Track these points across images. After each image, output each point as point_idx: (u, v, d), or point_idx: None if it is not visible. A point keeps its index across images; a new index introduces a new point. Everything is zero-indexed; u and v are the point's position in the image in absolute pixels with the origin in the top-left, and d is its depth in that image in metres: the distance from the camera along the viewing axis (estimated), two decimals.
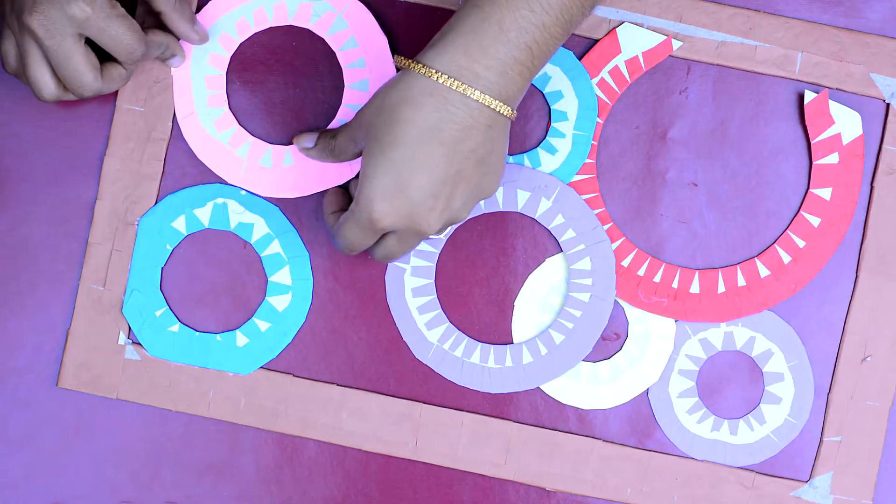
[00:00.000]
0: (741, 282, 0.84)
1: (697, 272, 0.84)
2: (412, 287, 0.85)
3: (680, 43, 0.83)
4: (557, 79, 0.85)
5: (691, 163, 0.85)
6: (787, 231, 0.84)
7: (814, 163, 0.84)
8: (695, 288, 0.84)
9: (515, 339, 0.85)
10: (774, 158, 0.85)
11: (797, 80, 0.85)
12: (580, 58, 0.85)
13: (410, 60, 0.75)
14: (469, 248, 0.86)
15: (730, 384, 0.85)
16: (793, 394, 0.85)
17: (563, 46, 0.85)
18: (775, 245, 0.84)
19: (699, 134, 0.85)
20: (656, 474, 0.84)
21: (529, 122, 0.86)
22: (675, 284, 0.84)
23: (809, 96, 0.83)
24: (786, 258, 0.84)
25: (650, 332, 0.85)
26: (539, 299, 0.85)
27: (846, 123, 0.83)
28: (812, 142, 0.84)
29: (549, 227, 0.85)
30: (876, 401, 0.84)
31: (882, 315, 0.84)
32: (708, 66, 0.85)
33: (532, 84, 0.85)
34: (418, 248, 0.85)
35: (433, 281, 0.85)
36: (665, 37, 0.84)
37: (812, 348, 0.85)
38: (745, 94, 0.85)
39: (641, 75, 0.85)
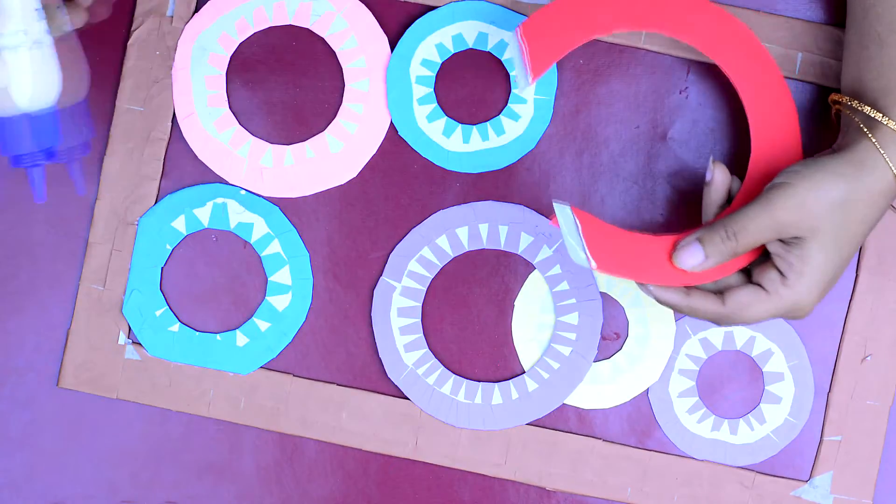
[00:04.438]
0: None
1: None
2: (398, 307, 0.85)
3: None
4: (515, 45, 0.85)
5: (691, 163, 0.85)
6: None
7: None
8: None
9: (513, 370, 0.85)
10: None
11: (797, 80, 0.85)
12: (573, 82, 0.85)
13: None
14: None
15: (730, 384, 0.85)
16: (793, 393, 0.85)
17: (517, 13, 0.85)
18: None
19: (699, 134, 0.85)
20: (656, 474, 0.84)
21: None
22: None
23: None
24: None
25: (650, 331, 0.85)
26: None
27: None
28: None
29: (545, 276, 0.84)
30: (876, 400, 0.84)
31: (882, 315, 0.84)
32: (708, 66, 0.85)
33: (490, 52, 0.85)
34: (412, 270, 0.85)
35: (420, 304, 0.85)
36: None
37: (812, 348, 0.85)
38: None
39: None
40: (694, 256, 0.75)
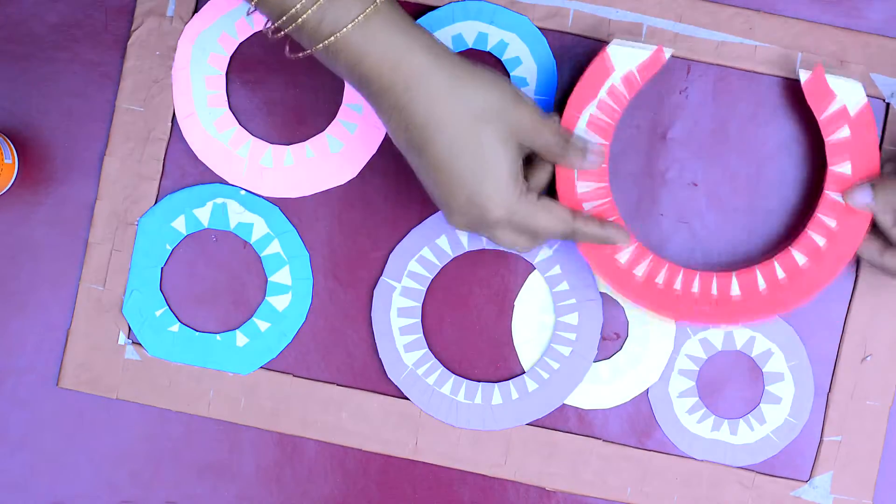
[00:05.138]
0: (781, 274, 0.82)
1: (734, 274, 0.82)
2: (398, 307, 0.85)
3: (671, 50, 0.82)
4: (515, 45, 0.85)
5: (691, 163, 0.85)
6: (816, 213, 0.81)
7: (826, 140, 0.82)
8: (735, 290, 0.82)
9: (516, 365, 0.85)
10: (774, 158, 0.85)
11: (797, 80, 0.85)
12: (573, 82, 0.84)
13: None
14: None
15: (730, 384, 0.85)
16: (793, 394, 0.85)
17: (517, 13, 0.85)
18: (807, 231, 0.82)
19: (699, 134, 0.85)
20: (656, 474, 0.84)
21: None
22: (714, 291, 0.82)
23: (805, 74, 0.82)
24: (820, 241, 0.81)
25: (650, 332, 0.85)
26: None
27: (848, 94, 0.81)
28: (819, 119, 0.82)
29: (545, 276, 0.85)
30: (876, 401, 0.84)
31: (882, 315, 0.84)
32: (708, 66, 0.85)
33: (490, 52, 0.85)
34: (412, 270, 0.85)
35: (420, 304, 0.85)
36: (655, 47, 0.82)
37: (812, 348, 0.85)
38: (745, 94, 0.85)
39: (640, 90, 0.84)
40: (863, 196, 0.80)
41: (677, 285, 0.82)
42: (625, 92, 0.81)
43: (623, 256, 0.82)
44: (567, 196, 0.81)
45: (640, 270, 0.82)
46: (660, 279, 0.82)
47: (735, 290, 0.82)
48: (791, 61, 0.85)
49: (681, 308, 0.82)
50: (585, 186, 0.81)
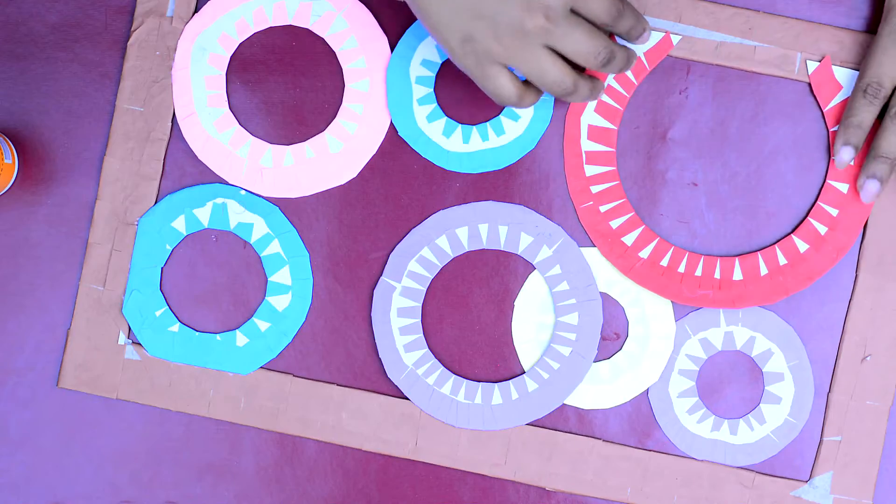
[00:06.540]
0: (782, 260, 0.83)
1: (737, 259, 0.84)
2: (398, 307, 0.85)
3: (679, 37, 0.83)
4: None
5: (691, 163, 0.85)
6: (818, 202, 0.83)
7: (830, 130, 0.84)
8: (737, 275, 0.84)
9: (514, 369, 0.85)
10: (774, 158, 0.85)
11: (797, 80, 0.85)
12: None
13: None
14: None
15: (730, 384, 0.85)
16: (793, 394, 0.85)
17: None
18: (809, 219, 0.83)
19: (699, 134, 0.85)
20: (656, 474, 0.84)
21: None
22: (717, 275, 0.83)
23: (812, 65, 0.83)
24: (822, 229, 0.83)
25: (650, 332, 0.85)
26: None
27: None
28: (824, 110, 0.84)
29: (544, 276, 0.85)
30: (876, 401, 0.84)
31: (882, 315, 0.84)
32: (708, 66, 0.85)
33: None
34: (412, 270, 0.85)
35: (420, 304, 0.85)
36: (663, 33, 0.83)
37: (812, 348, 0.85)
38: (744, 94, 0.85)
39: (647, 75, 0.85)
40: (846, 153, 0.81)
41: (681, 268, 0.83)
42: (632, 77, 0.83)
43: (629, 238, 0.83)
44: (576, 178, 0.84)
45: (645, 252, 0.83)
46: (664, 261, 0.83)
47: (738, 274, 0.83)
48: (790, 61, 0.85)
49: (683, 290, 0.83)
50: (594, 170, 0.84)
